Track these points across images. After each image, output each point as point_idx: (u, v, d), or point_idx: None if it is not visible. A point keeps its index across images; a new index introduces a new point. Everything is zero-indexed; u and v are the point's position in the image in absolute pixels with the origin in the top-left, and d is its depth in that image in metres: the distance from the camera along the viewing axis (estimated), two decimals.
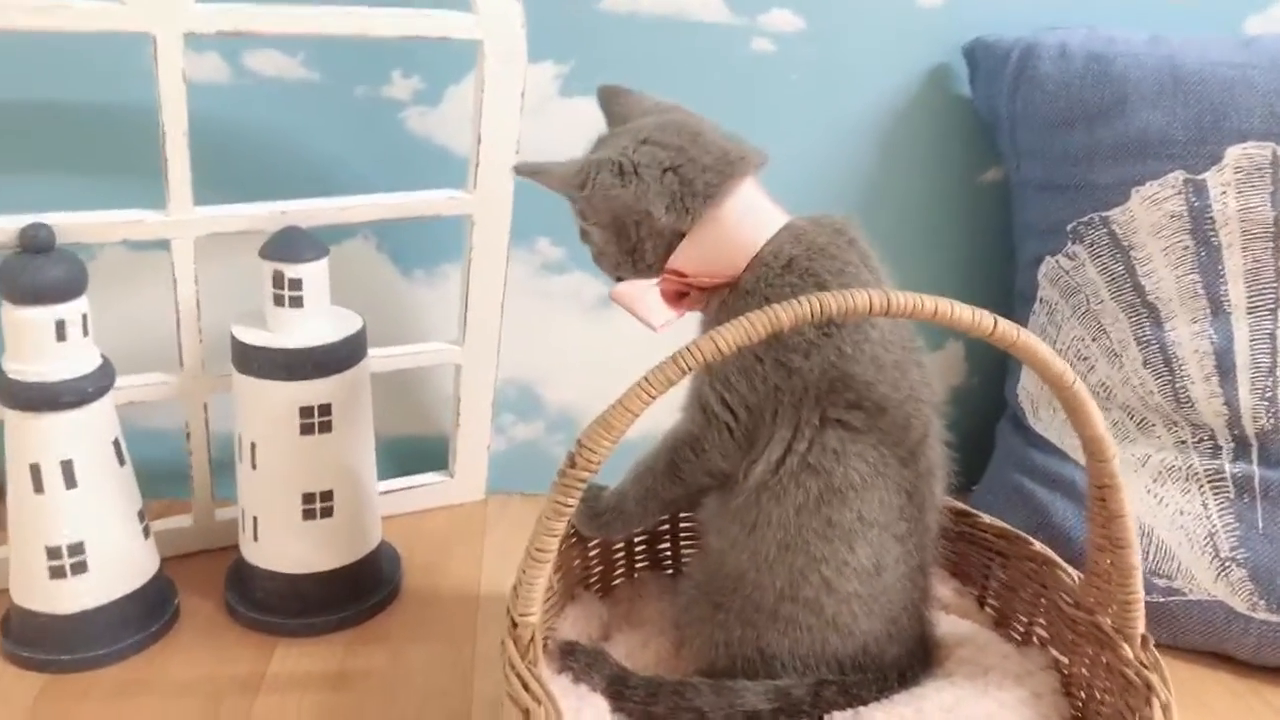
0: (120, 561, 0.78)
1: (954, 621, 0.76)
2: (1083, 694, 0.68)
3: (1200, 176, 0.83)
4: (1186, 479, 0.86)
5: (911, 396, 0.64)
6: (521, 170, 0.69)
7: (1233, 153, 0.82)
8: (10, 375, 0.73)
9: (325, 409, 0.79)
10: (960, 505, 0.79)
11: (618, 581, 0.81)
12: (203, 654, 0.80)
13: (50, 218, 0.73)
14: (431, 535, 0.98)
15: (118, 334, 0.81)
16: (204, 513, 0.91)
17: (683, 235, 0.64)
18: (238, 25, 0.74)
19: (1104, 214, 0.87)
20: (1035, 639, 0.74)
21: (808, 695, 0.63)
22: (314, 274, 0.79)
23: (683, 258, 0.64)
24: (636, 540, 0.81)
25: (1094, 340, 0.90)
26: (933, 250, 1.05)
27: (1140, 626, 0.63)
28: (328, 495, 0.82)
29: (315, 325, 0.79)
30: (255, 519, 0.82)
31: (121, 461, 0.78)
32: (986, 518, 0.78)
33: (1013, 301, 1.00)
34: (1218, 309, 0.84)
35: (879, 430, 0.62)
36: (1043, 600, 0.73)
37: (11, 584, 0.78)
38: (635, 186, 0.63)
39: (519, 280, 0.98)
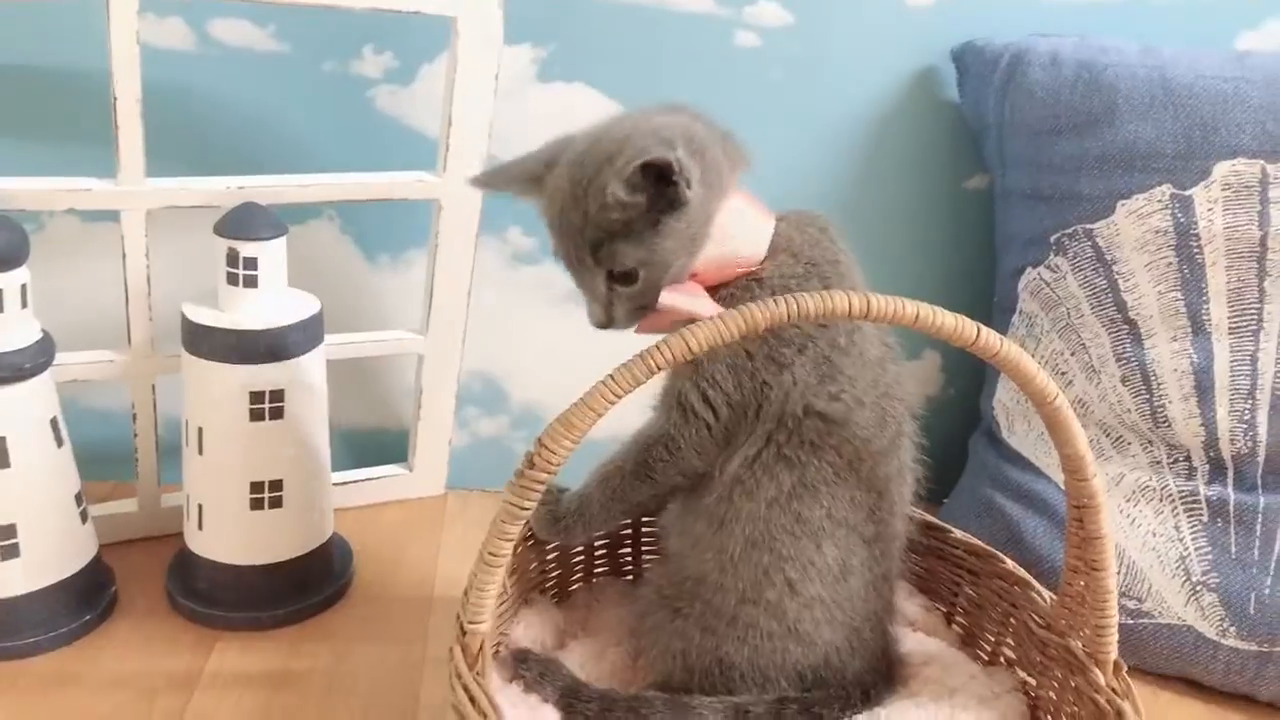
0: (54, 546, 0.75)
1: (920, 639, 0.74)
2: (1049, 718, 0.66)
3: (1187, 192, 0.81)
4: (1160, 500, 0.84)
5: (888, 394, 0.64)
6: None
7: (1221, 169, 0.80)
8: None
9: (277, 395, 0.76)
10: (931, 519, 0.77)
11: (575, 587, 0.78)
12: (139, 646, 0.77)
13: None
14: (388, 530, 0.95)
15: (63, 309, 0.78)
16: (149, 498, 0.88)
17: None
18: None
19: (1088, 226, 0.85)
20: (1003, 659, 0.72)
21: (768, 713, 0.60)
22: (270, 253, 0.75)
23: (712, 250, 0.61)
24: (596, 545, 0.79)
25: (1073, 355, 0.88)
26: (914, 257, 1.03)
27: (1113, 652, 0.61)
28: (277, 485, 0.78)
29: (270, 307, 0.76)
30: (200, 507, 0.79)
31: (59, 442, 0.75)
32: (958, 533, 0.76)
33: (992, 312, 0.98)
34: (1199, 328, 0.83)
35: (855, 424, 0.61)
36: (1012, 620, 0.71)
37: None
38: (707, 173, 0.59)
39: (488, 270, 0.95)
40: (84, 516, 0.77)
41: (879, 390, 0.63)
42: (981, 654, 0.73)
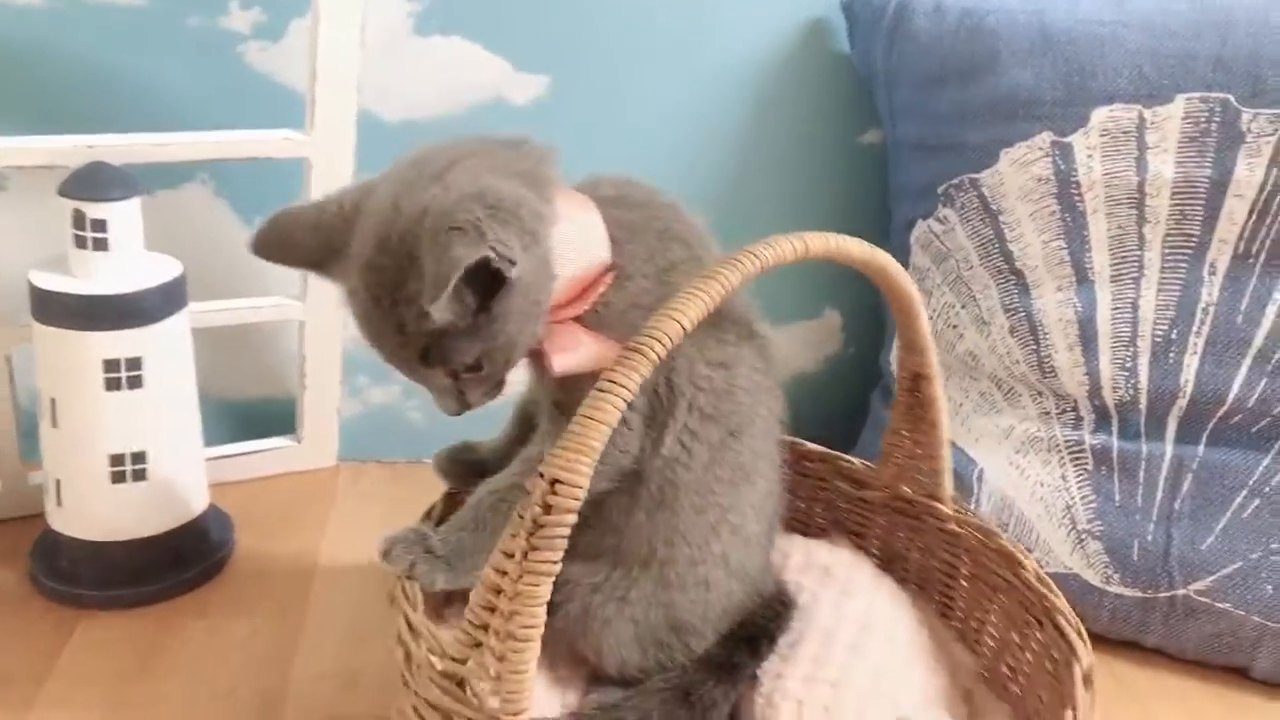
0: None
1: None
2: (915, 556, 0.73)
3: (1067, 139, 0.81)
4: (1049, 450, 0.84)
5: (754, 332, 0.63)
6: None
7: (1099, 115, 0.80)
8: None
9: (134, 363, 0.73)
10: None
11: None
12: None
13: None
14: (274, 503, 0.92)
15: None
16: (12, 476, 0.84)
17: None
18: None
19: (974, 176, 0.84)
20: (846, 531, 0.76)
21: (726, 661, 0.60)
22: (122, 214, 0.72)
23: (564, 278, 0.55)
24: None
25: (963, 308, 0.88)
26: (808, 213, 1.02)
27: (950, 488, 0.70)
28: (140, 457, 0.75)
29: (122, 271, 0.73)
30: (58, 482, 0.75)
31: None
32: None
33: None
34: (1082, 277, 0.82)
35: (749, 356, 0.61)
36: (841, 505, 0.77)
37: None
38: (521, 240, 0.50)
39: None
40: None
41: (754, 319, 0.63)
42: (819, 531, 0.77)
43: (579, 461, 0.43)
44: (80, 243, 0.71)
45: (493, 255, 0.48)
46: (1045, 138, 0.81)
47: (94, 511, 0.75)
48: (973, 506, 0.85)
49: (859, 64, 0.94)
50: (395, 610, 0.53)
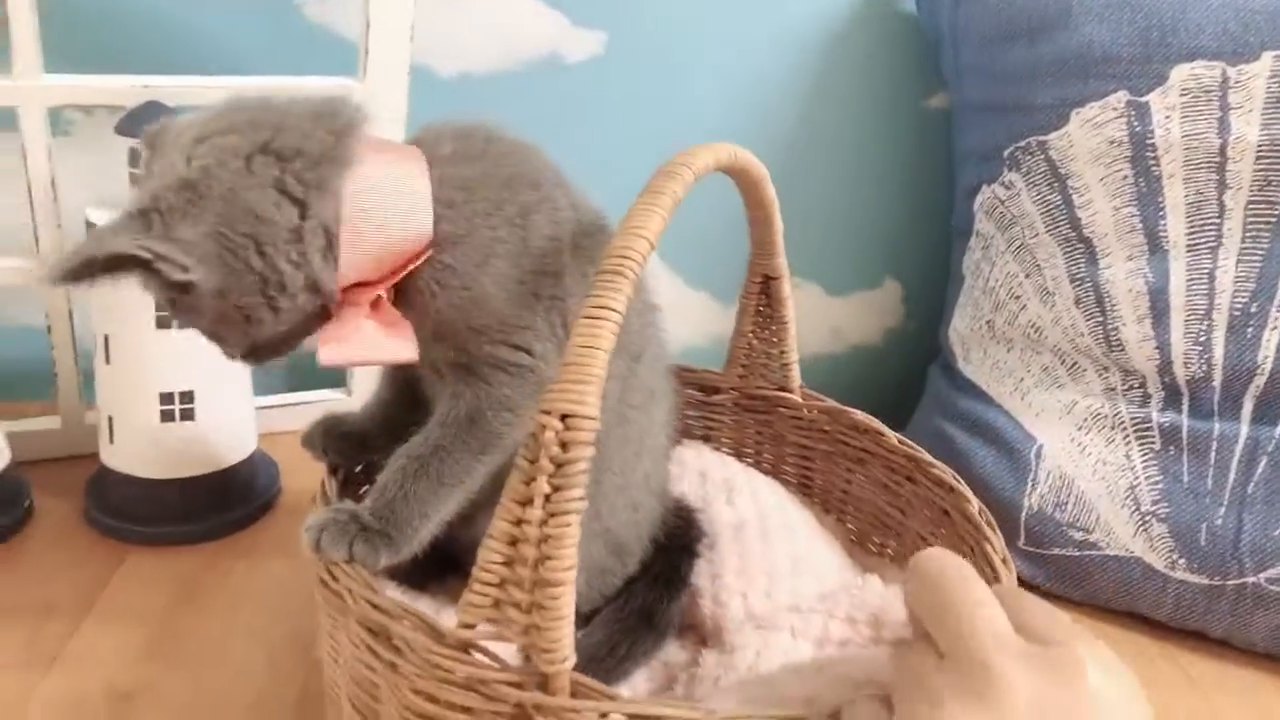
0: None
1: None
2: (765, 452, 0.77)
3: (1144, 99, 0.77)
4: (1112, 427, 0.80)
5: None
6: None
7: (1179, 73, 0.75)
8: None
9: None
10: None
11: None
12: (47, 560, 0.75)
13: None
14: None
15: None
16: (71, 413, 0.86)
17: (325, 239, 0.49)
18: None
19: (1042, 138, 0.81)
20: (723, 443, 0.78)
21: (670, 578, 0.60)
22: None
23: (353, 261, 0.50)
24: None
25: (1027, 277, 0.84)
26: (872, 178, 0.99)
27: (798, 379, 0.73)
28: (188, 396, 0.76)
29: None
30: (111, 419, 0.77)
31: None
32: None
33: (952, 236, 0.94)
34: (1155, 246, 0.78)
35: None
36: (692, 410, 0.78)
37: None
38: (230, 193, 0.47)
39: None
40: None
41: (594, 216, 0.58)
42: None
43: (586, 392, 0.41)
44: (135, 180, 0.72)
45: (147, 257, 0.45)
46: (1120, 97, 0.77)
47: (144, 449, 0.76)
48: (1028, 485, 0.82)
49: (925, 23, 0.91)
50: (332, 612, 0.50)
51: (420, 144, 0.53)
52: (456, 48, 0.90)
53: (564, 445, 0.42)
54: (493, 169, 0.53)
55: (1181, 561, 0.77)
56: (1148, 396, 0.80)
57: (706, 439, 0.78)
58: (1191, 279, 0.77)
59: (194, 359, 0.75)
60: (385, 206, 0.49)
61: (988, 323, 0.88)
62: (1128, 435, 0.80)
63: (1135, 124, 0.77)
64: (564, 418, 0.42)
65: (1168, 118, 0.76)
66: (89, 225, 0.73)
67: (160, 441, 0.76)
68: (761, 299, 0.70)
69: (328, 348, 0.50)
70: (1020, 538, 0.81)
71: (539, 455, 0.42)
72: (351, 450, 0.60)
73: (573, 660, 0.43)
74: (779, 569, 0.62)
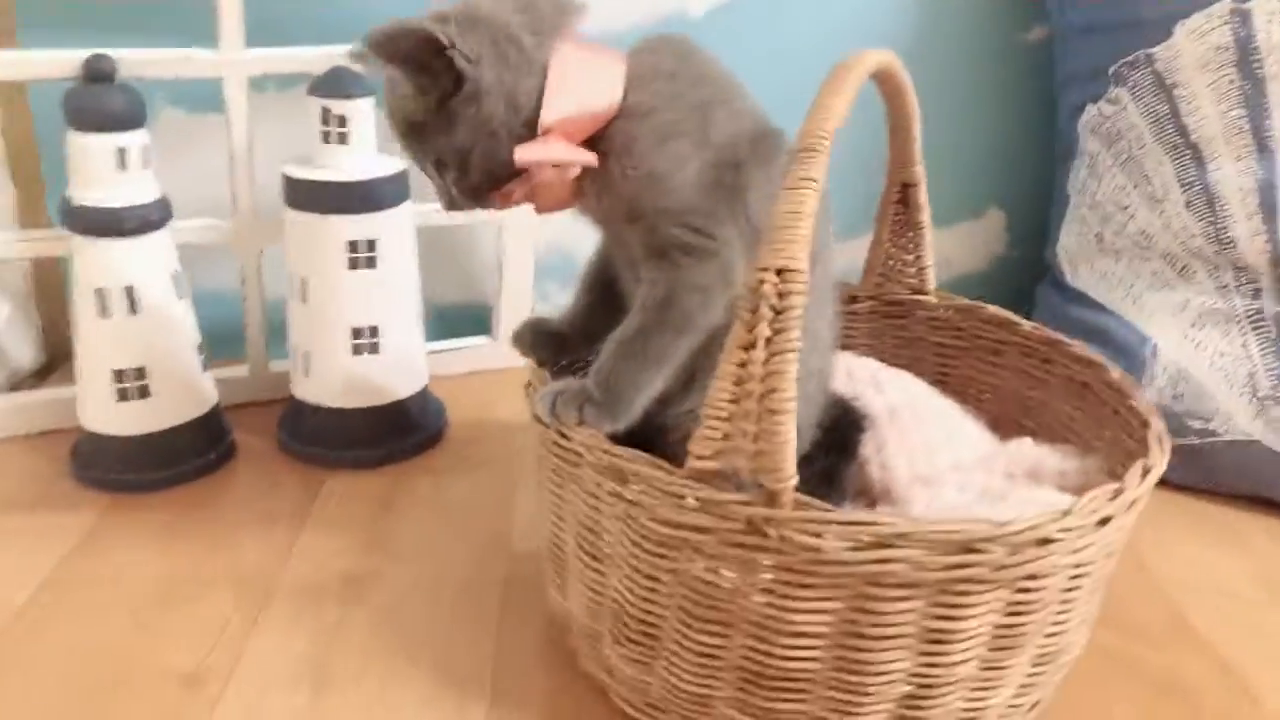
0: (180, 389, 0.82)
1: None
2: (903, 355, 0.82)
3: (1246, 5, 0.81)
4: (1228, 321, 0.85)
5: None
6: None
7: None
8: (75, 202, 0.76)
9: (370, 244, 0.82)
10: None
11: None
12: (256, 482, 0.84)
13: (110, 53, 0.76)
14: (473, 393, 1.00)
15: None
16: (258, 361, 0.95)
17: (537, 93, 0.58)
18: None
19: (1148, 51, 0.86)
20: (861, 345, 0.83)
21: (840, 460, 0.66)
22: (360, 111, 0.81)
23: (556, 106, 0.57)
24: None
25: (1135, 187, 0.89)
26: (975, 109, 1.04)
27: (933, 282, 0.79)
28: (374, 331, 0.84)
29: (361, 162, 0.82)
30: (307, 354, 0.85)
31: (180, 295, 0.82)
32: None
33: (1055, 163, 0.99)
34: (1263, 145, 0.83)
35: (778, 159, 0.61)
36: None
37: (80, 409, 0.82)
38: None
39: None
40: (204, 366, 0.85)
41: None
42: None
43: (796, 249, 0.48)
44: (325, 137, 0.81)
45: (445, 40, 0.54)
46: (1224, 5, 0.82)
47: (337, 380, 0.85)
48: (1145, 381, 0.87)
49: None
50: (564, 469, 0.58)
51: (630, 48, 0.61)
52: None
53: (780, 295, 0.48)
54: (683, 66, 0.60)
55: None
56: (1260, 289, 0.84)
57: (845, 348, 0.83)
58: None
59: (380, 296, 0.84)
60: (581, 75, 0.58)
61: (1096, 235, 0.93)
62: (1243, 327, 0.85)
63: (1239, 29, 0.82)
64: (779, 272, 0.48)
65: (1270, 21, 0.81)
66: (286, 179, 0.82)
67: (351, 372, 0.85)
68: (899, 207, 0.76)
69: (524, 148, 0.57)
70: None
71: (759, 305, 0.49)
72: (553, 350, 0.68)
73: (795, 479, 0.49)
74: (935, 440, 0.68)
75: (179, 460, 0.82)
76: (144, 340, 0.79)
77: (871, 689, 0.53)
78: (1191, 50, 0.84)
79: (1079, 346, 0.71)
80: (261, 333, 0.94)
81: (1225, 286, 0.86)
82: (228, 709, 0.60)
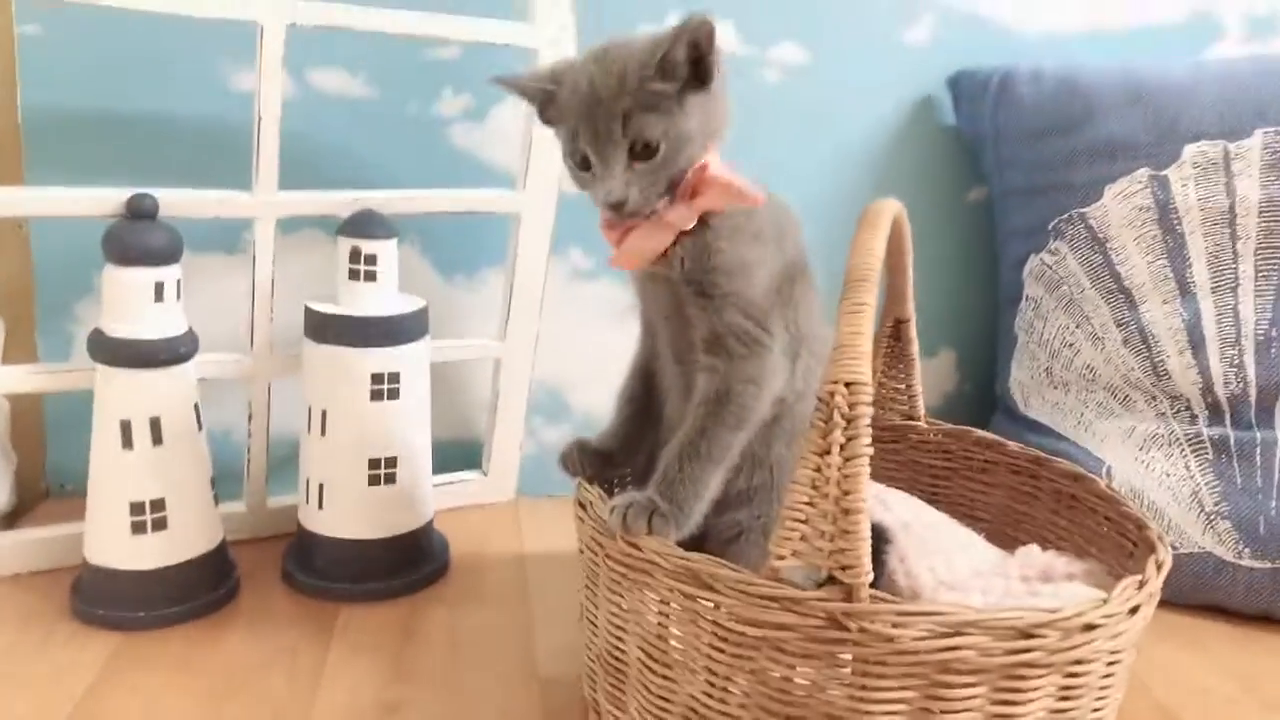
0: (196, 522, 0.82)
1: None
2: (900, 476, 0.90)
3: (1163, 173, 0.95)
4: (1169, 444, 0.95)
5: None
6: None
7: (1189, 150, 0.95)
8: (108, 334, 0.78)
9: (395, 376, 0.85)
10: None
11: None
12: (268, 618, 0.83)
13: (153, 192, 0.80)
14: (469, 527, 1.02)
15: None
16: (257, 498, 0.95)
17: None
18: (334, 20, 0.83)
19: (1081, 211, 0.99)
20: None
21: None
22: (387, 251, 0.86)
23: (716, 170, 0.65)
24: None
25: (1078, 327, 1.00)
26: (929, 264, 1.15)
27: (923, 408, 0.90)
28: (392, 462, 0.86)
29: (385, 299, 0.86)
30: (322, 486, 0.86)
31: (200, 426, 0.83)
32: None
33: (1000, 306, 1.11)
34: (1185, 289, 0.96)
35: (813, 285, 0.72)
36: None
37: (88, 544, 0.80)
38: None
39: (550, 286, 1.06)
40: (216, 500, 0.85)
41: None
42: None
43: (860, 364, 0.54)
44: (354, 275, 0.85)
45: (714, 42, 0.62)
46: (1144, 173, 0.96)
47: (354, 512, 0.86)
48: None
49: (965, 129, 1.10)
50: (634, 579, 0.62)
51: None
52: None
53: (850, 405, 0.54)
54: (770, 197, 0.68)
55: (1246, 551, 0.90)
56: (1195, 416, 0.95)
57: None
58: (1219, 314, 0.94)
59: (399, 427, 0.86)
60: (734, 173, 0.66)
61: (1045, 370, 1.03)
62: (1184, 449, 0.95)
63: (1158, 193, 0.95)
64: (848, 384, 0.55)
65: (1184, 186, 0.95)
66: (311, 313, 0.85)
67: (368, 504, 0.86)
68: (892, 340, 0.84)
69: (715, 170, 0.65)
70: None
71: (831, 415, 0.55)
72: (600, 466, 0.72)
73: (871, 575, 0.54)
74: (950, 548, 0.74)
75: (192, 595, 0.81)
76: (165, 472, 0.79)
77: None
78: (1118, 210, 0.97)
79: (1064, 463, 0.79)
80: (264, 468, 0.94)
81: (1164, 414, 0.96)
82: None
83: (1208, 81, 0.96)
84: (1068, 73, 1.01)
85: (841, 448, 0.54)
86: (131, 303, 0.78)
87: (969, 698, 0.55)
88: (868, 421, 0.54)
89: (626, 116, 0.62)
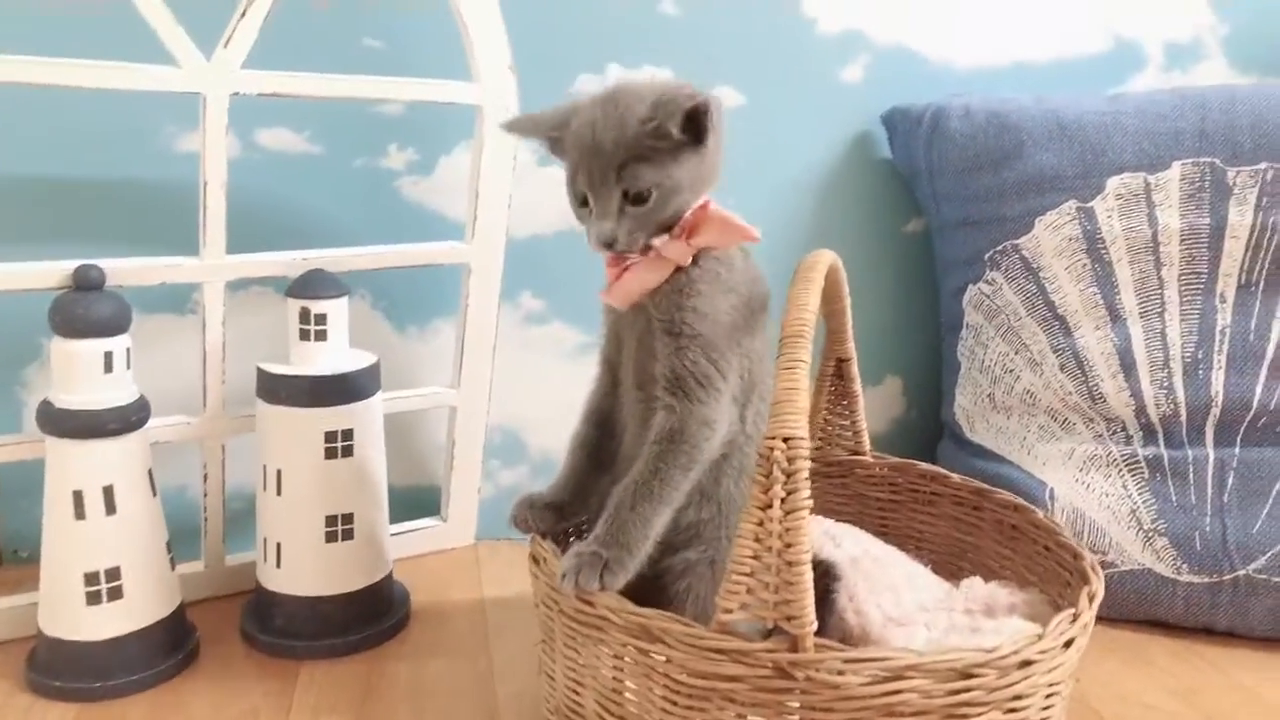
0: (151, 589, 0.82)
1: None
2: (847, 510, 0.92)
3: (1089, 204, 0.99)
4: (1107, 465, 0.99)
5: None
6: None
7: (1113, 183, 0.98)
8: (57, 405, 0.78)
9: (348, 434, 0.86)
10: None
11: None
12: (229, 680, 0.83)
13: (99, 262, 0.80)
14: (429, 575, 1.03)
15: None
16: (215, 558, 0.95)
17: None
18: (277, 88, 0.84)
19: (1015, 242, 1.02)
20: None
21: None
22: (337, 309, 0.87)
23: (707, 210, 0.69)
24: None
25: (1016, 354, 1.04)
26: (869, 294, 1.18)
27: (868, 443, 0.91)
28: (349, 518, 0.87)
29: (337, 357, 0.87)
30: (279, 545, 0.87)
31: (154, 492, 0.83)
32: None
33: (941, 332, 1.14)
34: (1116, 316, 0.99)
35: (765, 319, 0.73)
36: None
37: (42, 616, 0.80)
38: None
39: (503, 330, 1.07)
40: (172, 564, 0.85)
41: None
42: None
43: (798, 419, 0.56)
44: (304, 335, 0.86)
45: (716, 111, 0.65)
46: (1071, 205, 1.00)
47: (311, 569, 0.86)
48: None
49: (900, 164, 1.14)
50: (588, 634, 0.63)
51: None
52: (532, 211, 1.07)
53: (790, 459, 0.56)
54: (747, 257, 0.72)
55: (1184, 566, 0.93)
56: (1130, 437, 0.99)
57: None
58: (1148, 338, 0.98)
59: (354, 483, 0.87)
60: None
61: (988, 396, 1.06)
62: (1121, 470, 0.98)
63: (1085, 224, 0.99)
64: (786, 440, 0.57)
65: (1109, 216, 0.98)
66: (263, 374, 0.86)
67: (325, 560, 0.87)
68: (835, 379, 0.87)
69: (715, 208, 0.70)
70: None
71: (771, 469, 0.57)
72: (551, 520, 0.73)
73: (815, 625, 0.56)
74: (898, 584, 0.76)
75: (151, 662, 0.81)
76: (120, 540, 0.79)
77: None
78: (1049, 240, 1.01)
79: (1005, 494, 0.81)
80: (220, 528, 0.94)
81: (1101, 435, 1.00)
82: None
83: (1128, 114, 1.00)
84: (997, 107, 1.05)
85: (782, 501, 0.56)
86: (80, 374, 0.78)
87: None
88: (806, 475, 0.56)
89: (622, 166, 0.66)
